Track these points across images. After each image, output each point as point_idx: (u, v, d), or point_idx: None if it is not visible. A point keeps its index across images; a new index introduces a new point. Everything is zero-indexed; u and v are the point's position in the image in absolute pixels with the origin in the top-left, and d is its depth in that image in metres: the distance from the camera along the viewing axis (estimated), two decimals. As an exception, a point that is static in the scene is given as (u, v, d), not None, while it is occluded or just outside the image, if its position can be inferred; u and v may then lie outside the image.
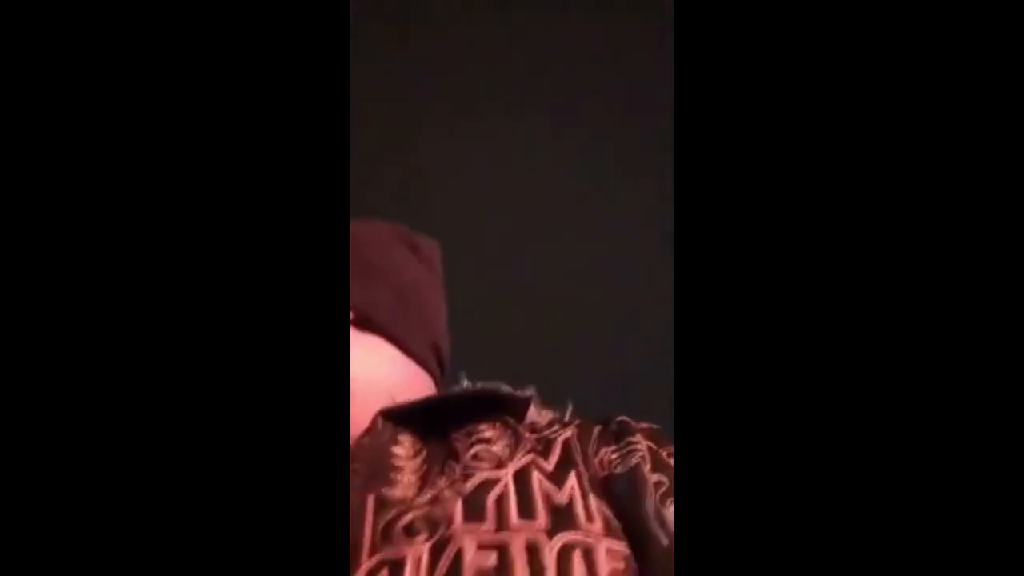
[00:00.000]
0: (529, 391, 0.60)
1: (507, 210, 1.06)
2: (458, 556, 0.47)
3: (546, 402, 0.62)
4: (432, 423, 0.58)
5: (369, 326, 0.68)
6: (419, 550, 0.48)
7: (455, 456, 0.55)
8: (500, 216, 1.05)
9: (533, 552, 0.47)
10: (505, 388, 0.59)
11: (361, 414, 0.58)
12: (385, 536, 0.49)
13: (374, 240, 0.73)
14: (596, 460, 0.56)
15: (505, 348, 0.62)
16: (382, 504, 0.51)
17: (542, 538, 0.48)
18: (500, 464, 0.53)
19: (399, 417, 0.58)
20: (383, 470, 0.54)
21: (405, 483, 0.53)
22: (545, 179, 1.07)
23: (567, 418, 0.60)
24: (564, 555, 0.47)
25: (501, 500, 0.50)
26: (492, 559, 0.47)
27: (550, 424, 0.59)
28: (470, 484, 0.52)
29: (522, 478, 0.52)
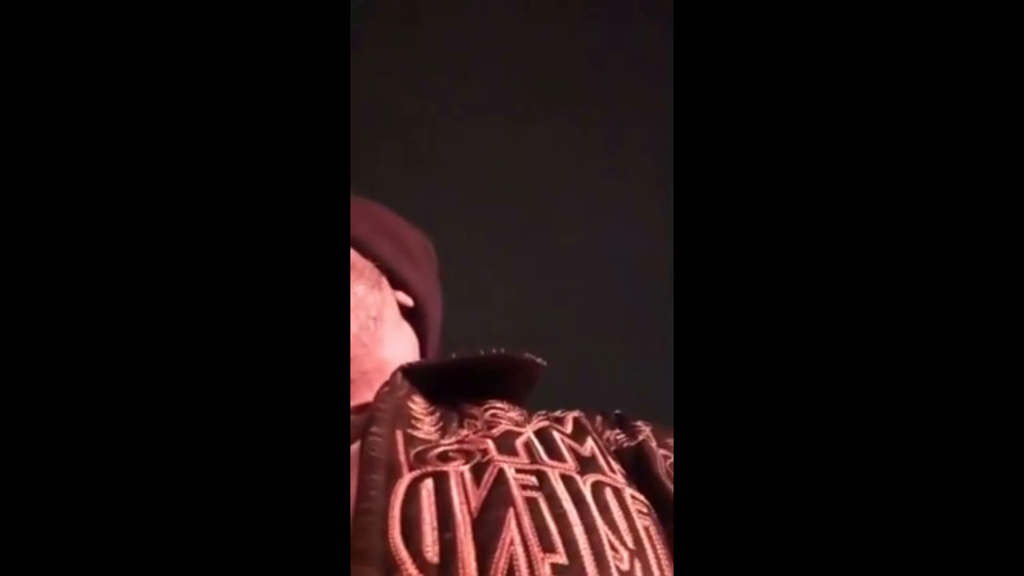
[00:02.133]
0: (537, 358, 0.61)
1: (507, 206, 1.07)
2: (501, 475, 0.46)
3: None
4: (444, 391, 0.58)
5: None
6: (460, 468, 0.47)
7: (471, 417, 0.55)
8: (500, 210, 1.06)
9: (569, 481, 0.48)
10: (520, 354, 0.60)
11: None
12: (420, 460, 0.48)
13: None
14: (604, 438, 0.57)
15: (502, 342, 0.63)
16: (411, 439, 0.50)
17: (575, 475, 0.49)
18: (518, 424, 0.54)
19: (416, 375, 0.58)
20: (405, 416, 0.53)
21: (427, 429, 0.52)
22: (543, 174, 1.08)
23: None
24: (597, 489, 0.48)
25: (529, 445, 0.51)
26: (533, 480, 0.47)
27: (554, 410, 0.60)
28: (496, 431, 0.52)
29: (543, 434, 0.53)
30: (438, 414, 0.55)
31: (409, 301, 0.71)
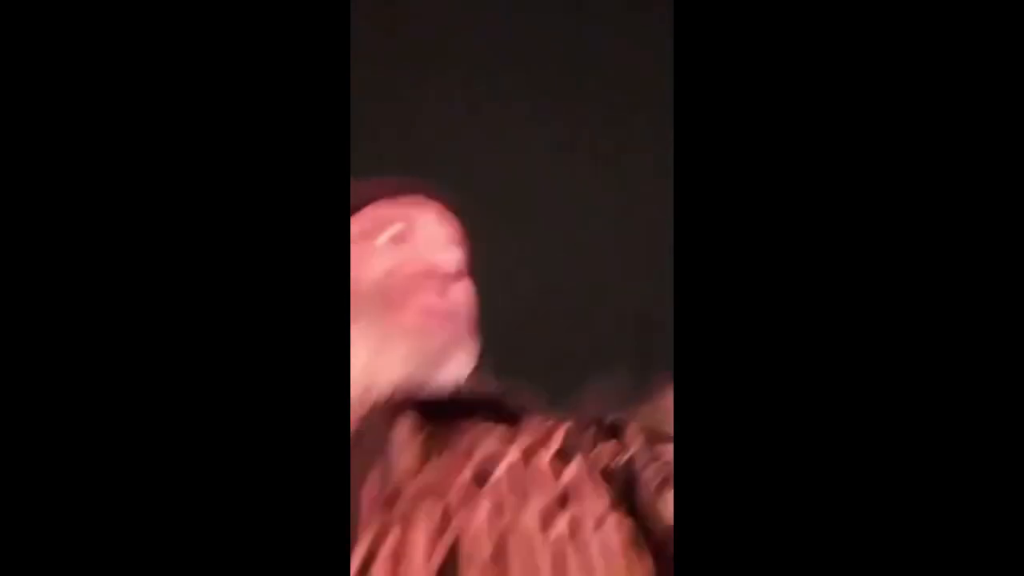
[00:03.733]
0: (524, 395, 0.61)
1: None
2: (458, 538, 0.45)
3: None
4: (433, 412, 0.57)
5: None
6: (431, 519, 0.46)
7: (455, 440, 0.55)
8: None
9: (547, 517, 0.47)
10: (506, 395, 0.60)
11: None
12: (389, 504, 0.48)
13: None
14: (595, 453, 0.55)
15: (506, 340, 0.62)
16: (388, 472, 0.50)
17: (553, 507, 0.48)
18: (505, 441, 0.53)
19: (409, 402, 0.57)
20: (385, 444, 0.53)
21: (408, 457, 0.52)
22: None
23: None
24: (575, 526, 0.47)
25: (511, 469, 0.50)
26: (496, 535, 0.46)
27: (546, 421, 0.58)
28: (477, 455, 0.51)
29: (528, 453, 0.52)
30: (425, 432, 0.55)
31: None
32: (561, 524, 0.47)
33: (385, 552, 0.44)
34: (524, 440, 0.54)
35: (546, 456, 0.52)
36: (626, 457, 0.55)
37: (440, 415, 0.56)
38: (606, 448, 0.56)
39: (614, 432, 0.58)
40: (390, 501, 0.48)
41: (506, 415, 0.58)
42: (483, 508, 0.47)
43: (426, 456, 0.52)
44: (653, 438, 0.57)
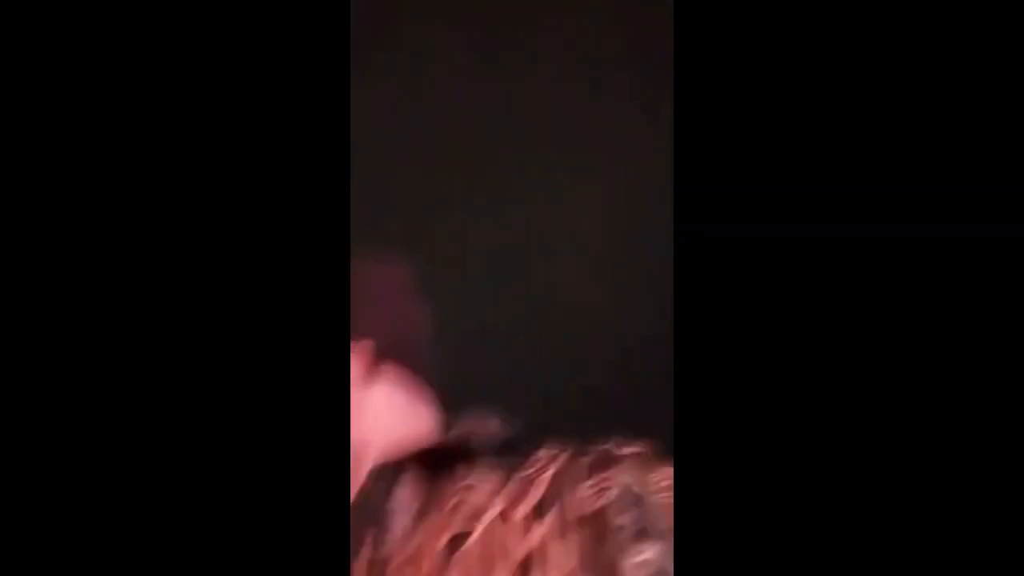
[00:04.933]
0: (519, 426, 0.63)
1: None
2: None
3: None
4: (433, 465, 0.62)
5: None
6: None
7: (442, 501, 0.59)
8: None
9: None
10: (496, 429, 0.63)
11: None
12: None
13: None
14: (575, 498, 0.58)
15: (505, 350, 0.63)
16: (379, 543, 0.56)
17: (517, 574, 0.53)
18: (475, 515, 0.57)
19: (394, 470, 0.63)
20: (380, 517, 0.58)
21: (396, 532, 0.58)
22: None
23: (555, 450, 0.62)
24: None
25: (485, 532, 0.55)
26: None
27: (537, 459, 0.61)
28: (461, 513, 0.56)
29: (510, 507, 0.56)
30: (420, 499, 0.59)
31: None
32: None
33: None
34: (509, 491, 0.57)
35: (524, 510, 0.56)
36: (603, 503, 0.57)
37: (441, 464, 0.61)
38: (587, 491, 0.58)
39: (607, 463, 0.59)
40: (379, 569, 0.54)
41: (508, 452, 0.61)
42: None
43: (422, 515, 0.59)
44: (645, 467, 0.59)
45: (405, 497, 0.60)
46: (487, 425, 0.63)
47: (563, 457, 0.59)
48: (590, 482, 0.58)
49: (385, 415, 0.68)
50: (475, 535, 0.56)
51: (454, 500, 0.58)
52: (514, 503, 0.57)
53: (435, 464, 0.61)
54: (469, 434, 0.63)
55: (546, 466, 0.59)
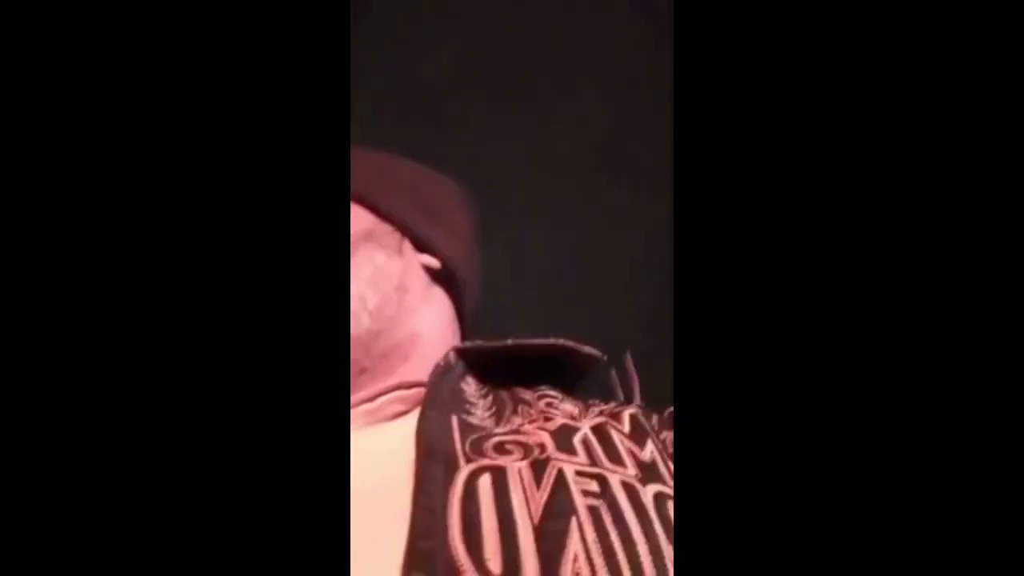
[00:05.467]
0: (596, 351, 0.59)
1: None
2: (561, 477, 0.43)
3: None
4: (496, 373, 0.55)
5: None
6: (517, 464, 0.44)
7: (525, 403, 0.52)
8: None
9: (631, 491, 0.45)
10: (579, 345, 0.58)
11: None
12: (476, 450, 0.45)
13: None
14: (661, 440, 0.53)
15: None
16: (466, 426, 0.47)
17: (636, 483, 0.45)
18: (574, 417, 0.51)
19: (470, 356, 0.55)
20: (460, 400, 0.50)
21: (481, 415, 0.50)
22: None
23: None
24: (660, 502, 0.45)
25: (587, 443, 0.48)
26: (594, 485, 0.44)
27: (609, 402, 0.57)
28: (552, 424, 0.49)
29: (601, 432, 0.50)
30: (491, 398, 0.52)
31: (435, 263, 0.64)
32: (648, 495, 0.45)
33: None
34: (593, 417, 0.51)
35: (618, 435, 0.50)
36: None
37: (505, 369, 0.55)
38: (672, 437, 0.53)
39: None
40: (476, 446, 0.46)
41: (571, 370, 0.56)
42: (580, 455, 0.46)
43: (497, 418, 0.50)
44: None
45: (475, 387, 0.53)
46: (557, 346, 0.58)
47: (636, 406, 0.56)
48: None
49: (446, 320, 0.64)
50: (585, 429, 0.49)
51: (540, 404, 0.52)
52: (606, 425, 0.50)
53: (497, 367, 0.55)
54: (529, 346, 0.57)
55: (621, 406, 0.55)
